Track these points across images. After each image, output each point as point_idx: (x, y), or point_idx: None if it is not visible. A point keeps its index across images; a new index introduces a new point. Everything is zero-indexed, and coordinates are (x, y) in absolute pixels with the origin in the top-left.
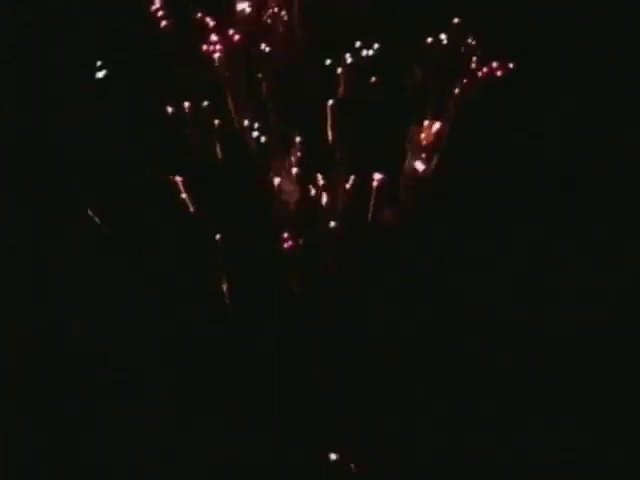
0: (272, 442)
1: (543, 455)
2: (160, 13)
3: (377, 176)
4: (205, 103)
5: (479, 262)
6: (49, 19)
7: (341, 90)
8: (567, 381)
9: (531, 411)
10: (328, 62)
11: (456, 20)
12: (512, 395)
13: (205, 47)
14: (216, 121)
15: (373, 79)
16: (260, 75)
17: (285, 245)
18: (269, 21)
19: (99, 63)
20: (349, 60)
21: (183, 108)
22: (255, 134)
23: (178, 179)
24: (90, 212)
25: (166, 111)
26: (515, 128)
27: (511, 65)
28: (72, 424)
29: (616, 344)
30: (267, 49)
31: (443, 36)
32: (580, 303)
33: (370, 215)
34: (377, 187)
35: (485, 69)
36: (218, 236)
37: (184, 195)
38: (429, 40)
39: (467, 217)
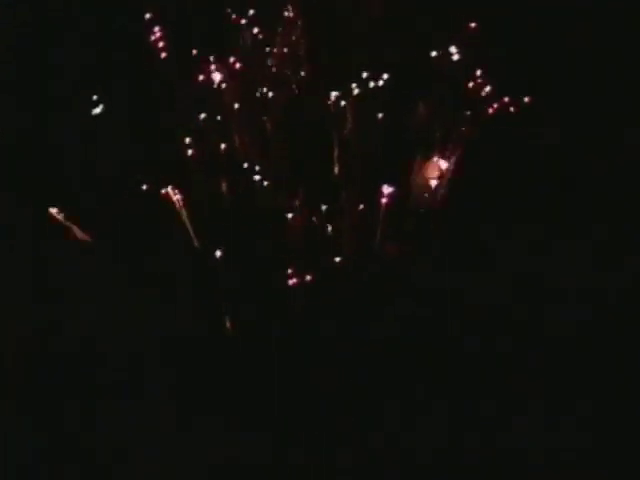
0: (272, 442)
1: (543, 455)
2: (161, 44)
3: (387, 189)
4: (202, 116)
5: (479, 262)
6: (49, 19)
7: (348, 123)
8: (567, 381)
9: (531, 411)
10: (334, 95)
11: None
12: (512, 395)
13: (204, 77)
14: (221, 146)
15: (380, 115)
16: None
17: (290, 282)
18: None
19: (95, 97)
20: (356, 91)
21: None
22: (257, 177)
23: (175, 193)
24: (54, 210)
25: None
26: (514, 128)
27: (526, 99)
28: (72, 424)
29: (616, 344)
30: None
31: (453, 52)
32: (580, 303)
33: (377, 242)
34: (386, 203)
35: (496, 105)
36: (219, 253)
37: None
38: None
39: (467, 217)
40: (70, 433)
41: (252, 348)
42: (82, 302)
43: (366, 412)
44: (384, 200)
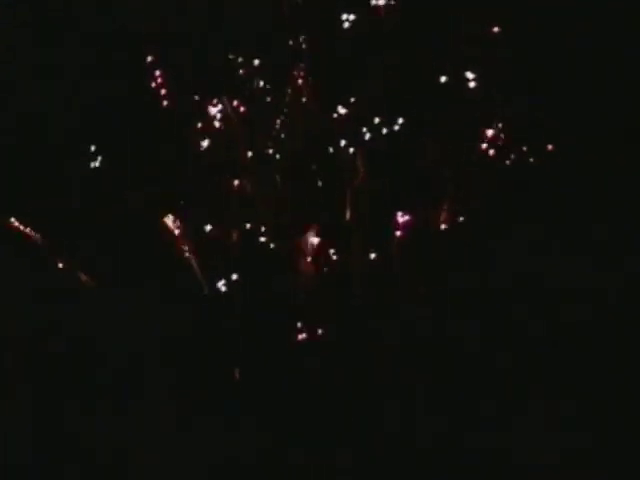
0: (272, 442)
1: (543, 455)
2: (163, 91)
3: (402, 217)
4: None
5: (480, 262)
6: (49, 19)
7: (360, 171)
8: (567, 381)
9: (531, 411)
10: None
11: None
12: (512, 395)
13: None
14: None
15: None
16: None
17: (299, 337)
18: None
19: (93, 148)
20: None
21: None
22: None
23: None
24: (14, 220)
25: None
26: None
27: (550, 147)
28: (72, 424)
29: (616, 344)
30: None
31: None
32: (580, 303)
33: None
34: (401, 236)
35: (513, 156)
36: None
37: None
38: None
39: (467, 217)
40: (70, 433)
41: (252, 347)
42: (82, 302)
43: (366, 412)
44: (399, 233)
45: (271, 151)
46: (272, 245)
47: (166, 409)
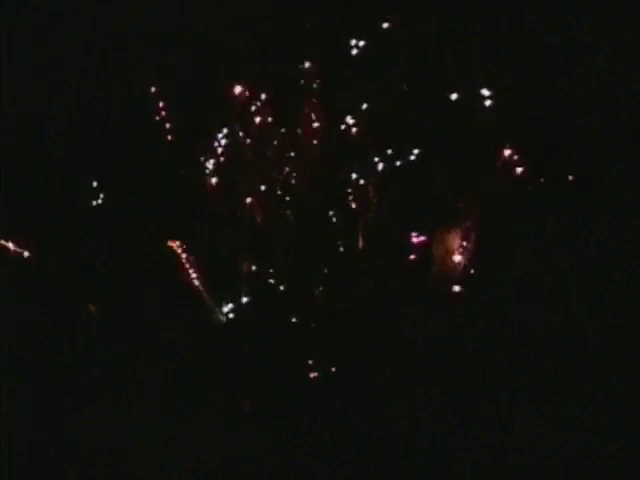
0: (272, 442)
1: (543, 455)
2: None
3: (416, 238)
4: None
5: (481, 261)
6: (51, 19)
7: (372, 203)
8: (567, 381)
9: (531, 411)
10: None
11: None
12: (512, 395)
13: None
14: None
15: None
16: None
17: (311, 375)
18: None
19: (95, 184)
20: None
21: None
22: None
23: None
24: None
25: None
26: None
27: (570, 177)
28: (72, 424)
29: (616, 344)
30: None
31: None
32: (580, 303)
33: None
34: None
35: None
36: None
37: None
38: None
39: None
40: (70, 433)
41: (253, 347)
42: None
43: (366, 412)
44: (412, 256)
45: (279, 191)
46: (283, 277)
47: (165, 409)
